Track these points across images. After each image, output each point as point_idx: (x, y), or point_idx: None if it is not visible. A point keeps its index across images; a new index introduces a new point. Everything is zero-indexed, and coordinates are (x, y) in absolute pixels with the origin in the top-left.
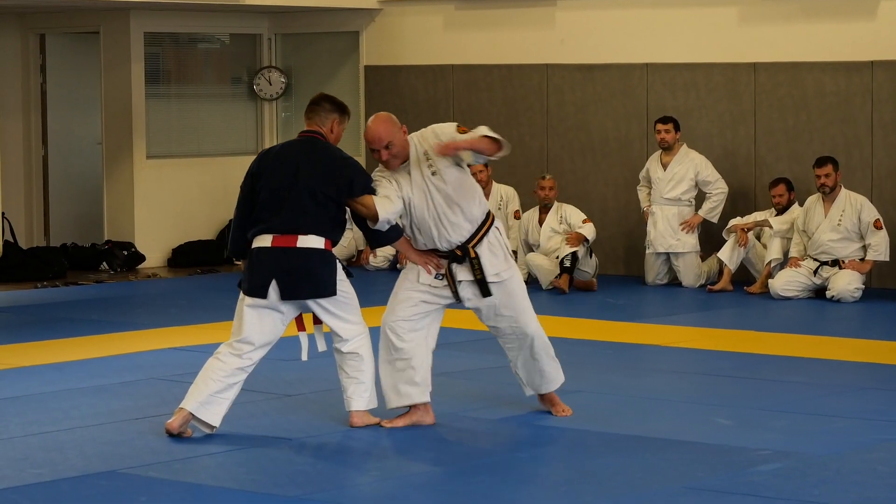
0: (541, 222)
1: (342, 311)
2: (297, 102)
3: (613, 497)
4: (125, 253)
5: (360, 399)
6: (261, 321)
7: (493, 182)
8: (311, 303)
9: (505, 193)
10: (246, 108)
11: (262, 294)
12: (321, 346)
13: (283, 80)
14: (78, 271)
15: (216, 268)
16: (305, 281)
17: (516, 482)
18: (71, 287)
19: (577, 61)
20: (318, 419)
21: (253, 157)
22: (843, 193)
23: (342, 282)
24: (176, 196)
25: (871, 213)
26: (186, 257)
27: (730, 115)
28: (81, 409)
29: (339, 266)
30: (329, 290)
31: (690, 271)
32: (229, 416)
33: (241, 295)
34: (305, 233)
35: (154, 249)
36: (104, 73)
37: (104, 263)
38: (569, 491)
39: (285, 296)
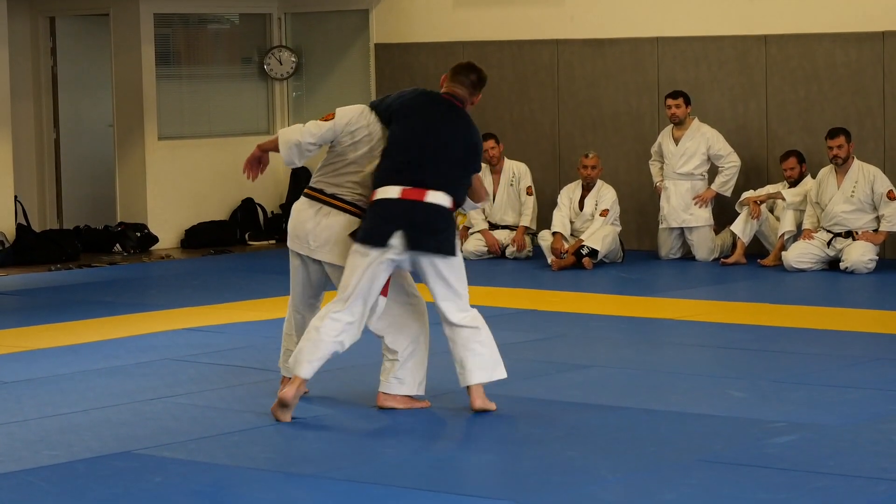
0: (582, 199)
1: (455, 278)
2: (308, 82)
3: (628, 470)
4: (138, 234)
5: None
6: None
7: (505, 158)
8: (426, 263)
9: (517, 169)
10: (257, 88)
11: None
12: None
13: (294, 59)
14: (91, 253)
15: (229, 248)
16: (430, 236)
17: (530, 457)
18: (84, 269)
19: (586, 36)
20: (334, 397)
21: (264, 137)
22: (856, 164)
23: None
24: (188, 177)
25: (884, 183)
26: (199, 238)
27: (741, 88)
28: (96, 390)
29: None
30: (451, 250)
31: (704, 245)
32: (244, 395)
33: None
34: (435, 188)
35: (167, 231)
36: (114, 56)
37: (117, 245)
38: (584, 465)
39: (411, 246)
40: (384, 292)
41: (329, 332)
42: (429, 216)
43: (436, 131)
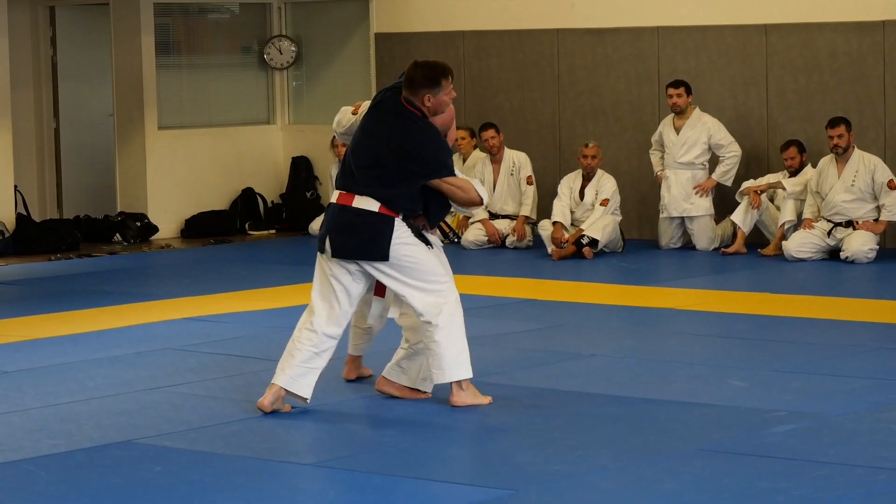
0: (583, 189)
1: (408, 274)
2: (308, 71)
3: (628, 459)
4: (138, 224)
5: (437, 373)
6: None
7: (506, 148)
8: (368, 267)
9: (517, 159)
10: (257, 77)
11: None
12: (393, 312)
13: (294, 48)
14: (91, 243)
15: (229, 238)
16: (352, 241)
17: (531, 446)
18: (84, 259)
19: (587, 25)
20: (334, 387)
21: (264, 126)
22: (857, 154)
23: (405, 245)
24: (188, 166)
25: (884, 173)
26: (199, 228)
27: (741, 78)
28: (96, 379)
29: (404, 230)
30: (378, 255)
31: (704, 234)
32: (242, 385)
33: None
34: (361, 193)
35: (167, 220)
36: (114, 45)
37: (117, 235)
38: (584, 454)
39: (334, 253)
40: (380, 293)
41: (304, 342)
42: (351, 220)
43: (369, 135)
